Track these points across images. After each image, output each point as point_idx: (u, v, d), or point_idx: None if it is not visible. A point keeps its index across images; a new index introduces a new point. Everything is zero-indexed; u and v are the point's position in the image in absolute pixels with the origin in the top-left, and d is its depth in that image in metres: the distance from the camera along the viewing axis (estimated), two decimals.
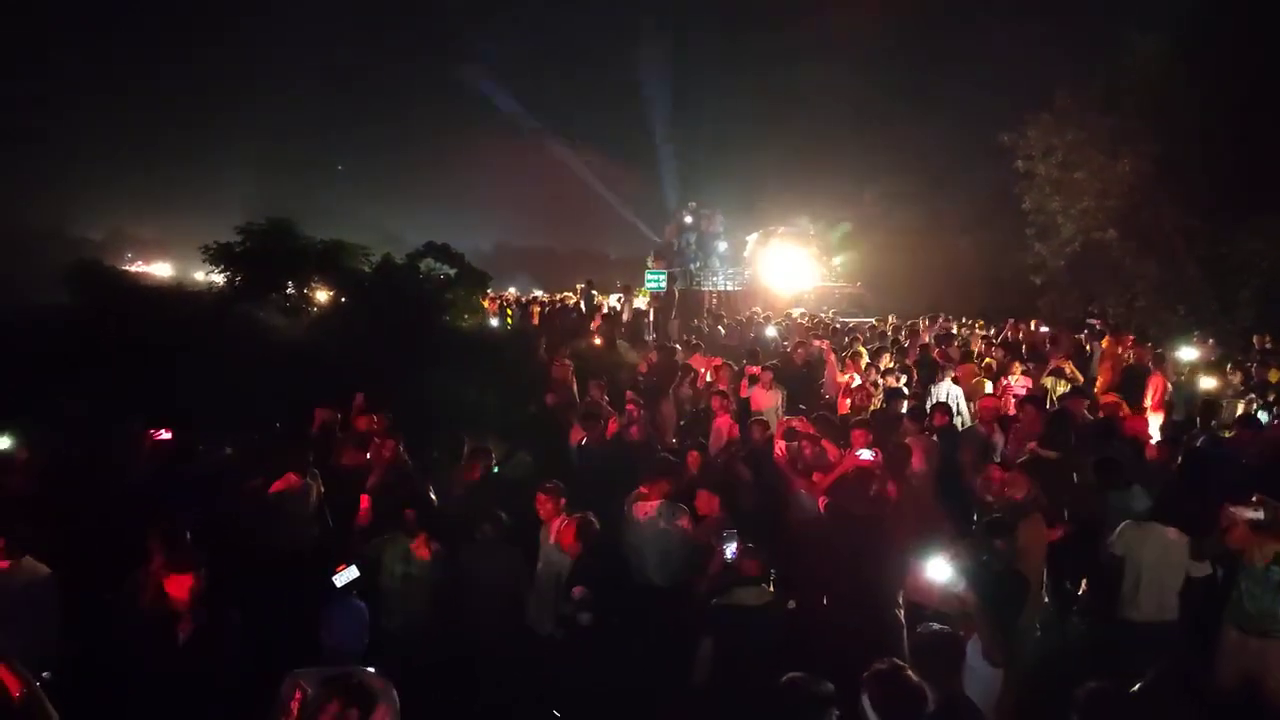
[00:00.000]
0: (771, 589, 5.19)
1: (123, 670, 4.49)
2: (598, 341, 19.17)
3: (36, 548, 4.89)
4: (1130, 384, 11.08)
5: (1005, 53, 26.12)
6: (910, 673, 3.35)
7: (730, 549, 5.13)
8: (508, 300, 30.85)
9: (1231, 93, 17.85)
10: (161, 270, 29.30)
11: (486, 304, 24.79)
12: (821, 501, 6.55)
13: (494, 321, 26.22)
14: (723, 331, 18.25)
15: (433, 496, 6.37)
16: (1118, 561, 5.80)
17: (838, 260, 28.60)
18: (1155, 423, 9.92)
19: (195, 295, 17.41)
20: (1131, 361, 12.42)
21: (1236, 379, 12.00)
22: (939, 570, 4.75)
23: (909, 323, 18.61)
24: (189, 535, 5.13)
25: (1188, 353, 12.90)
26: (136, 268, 26.46)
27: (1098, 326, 16.84)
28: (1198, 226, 18.78)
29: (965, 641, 4.05)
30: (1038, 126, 21.18)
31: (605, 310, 22.80)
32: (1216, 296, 18.43)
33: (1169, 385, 11.13)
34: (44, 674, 4.62)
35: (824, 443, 7.64)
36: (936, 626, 3.94)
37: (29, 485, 6.41)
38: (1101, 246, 20.81)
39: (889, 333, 17.28)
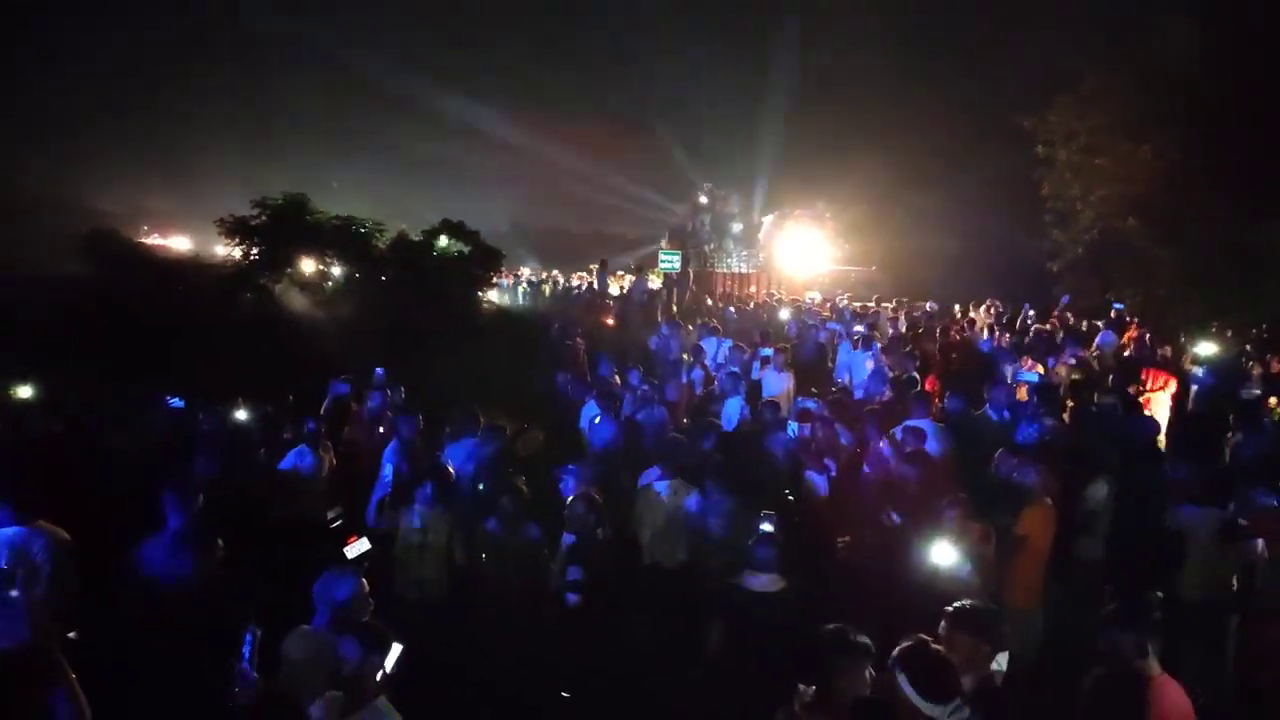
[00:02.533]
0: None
1: (135, 633, 4.54)
2: (610, 321, 19.21)
3: (52, 513, 4.91)
4: (1128, 376, 10.98)
5: (1028, 36, 25.69)
6: (936, 646, 3.36)
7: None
8: (521, 279, 30.90)
9: (1261, 79, 17.57)
10: (180, 244, 29.39)
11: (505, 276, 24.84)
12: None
13: (507, 299, 26.33)
14: (733, 313, 18.17)
15: (449, 469, 6.38)
16: (1175, 539, 5.77)
17: (852, 243, 28.42)
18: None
19: (210, 267, 17.49)
20: (1131, 353, 12.31)
21: (1256, 373, 11.81)
22: (944, 554, 4.74)
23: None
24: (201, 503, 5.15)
25: (1205, 347, 12.74)
26: (153, 240, 26.54)
27: (1113, 316, 16.66)
28: (1222, 214, 18.51)
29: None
30: (1060, 110, 20.90)
31: (619, 291, 22.82)
32: (1238, 287, 18.20)
33: (1174, 379, 10.94)
34: (69, 634, 4.69)
35: (837, 426, 7.61)
36: (971, 605, 3.88)
37: (44, 451, 6.46)
38: (1121, 234, 20.58)
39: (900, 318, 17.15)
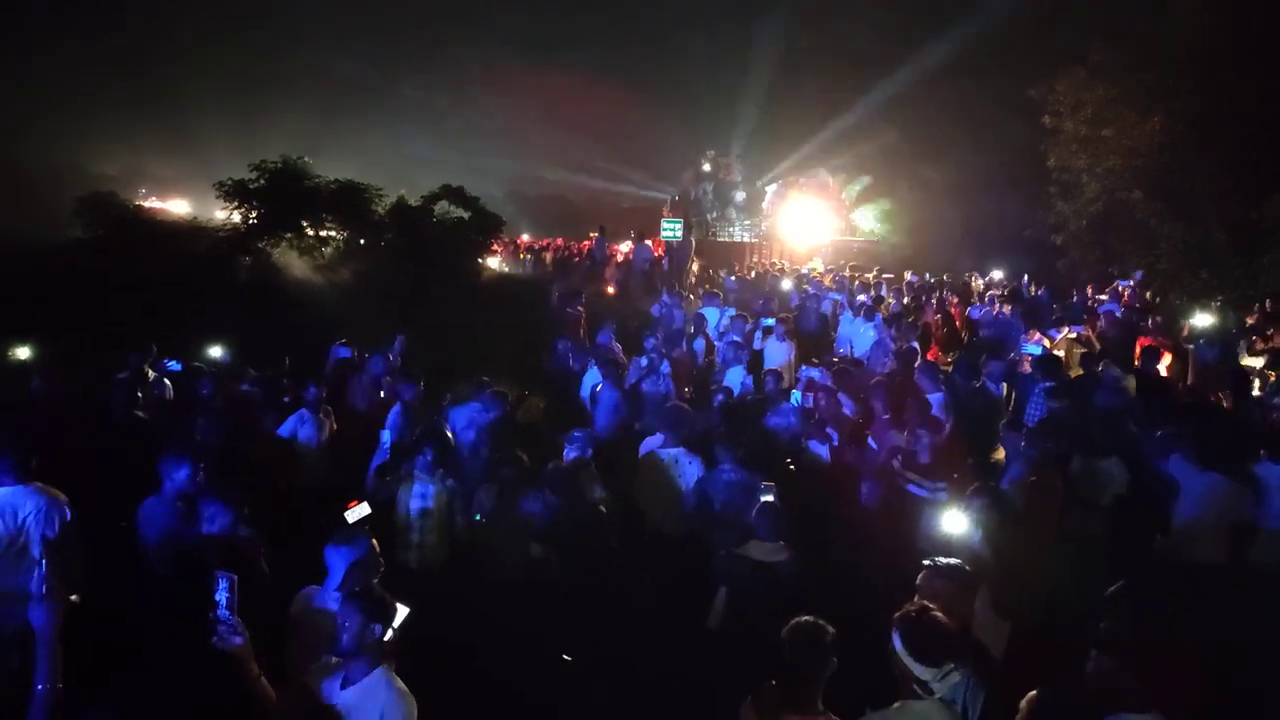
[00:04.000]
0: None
1: (136, 595, 4.52)
2: (610, 289, 19.12)
3: (49, 477, 4.88)
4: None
5: (1038, 5, 25.31)
6: (937, 613, 3.36)
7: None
8: (522, 245, 30.70)
9: (1269, 53, 17.36)
10: (179, 207, 29.15)
11: (499, 248, 24.72)
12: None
13: (507, 267, 26.19)
14: (734, 281, 18.09)
15: (450, 435, 6.33)
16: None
17: (856, 214, 28.25)
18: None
19: (208, 231, 17.35)
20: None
21: (1260, 346, 11.75)
22: (955, 522, 4.72)
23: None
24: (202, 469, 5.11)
25: (1202, 319, 12.69)
26: (151, 204, 26.30)
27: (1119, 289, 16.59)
28: (1227, 188, 18.38)
29: (977, 591, 4.10)
30: (1068, 81, 20.67)
31: (619, 259, 22.69)
32: (1241, 261, 18.11)
33: (1168, 351, 10.90)
34: (72, 597, 4.67)
35: (840, 396, 7.58)
36: (947, 560, 4.02)
37: (41, 416, 6.41)
38: (1126, 207, 20.43)
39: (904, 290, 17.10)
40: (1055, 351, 10.75)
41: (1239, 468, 5.96)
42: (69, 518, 4.76)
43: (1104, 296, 15.94)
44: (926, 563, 4.01)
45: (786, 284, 17.09)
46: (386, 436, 6.60)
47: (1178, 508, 5.88)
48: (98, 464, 5.53)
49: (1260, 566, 5.75)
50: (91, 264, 13.17)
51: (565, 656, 5.05)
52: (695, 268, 21.95)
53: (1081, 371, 9.36)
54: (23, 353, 7.61)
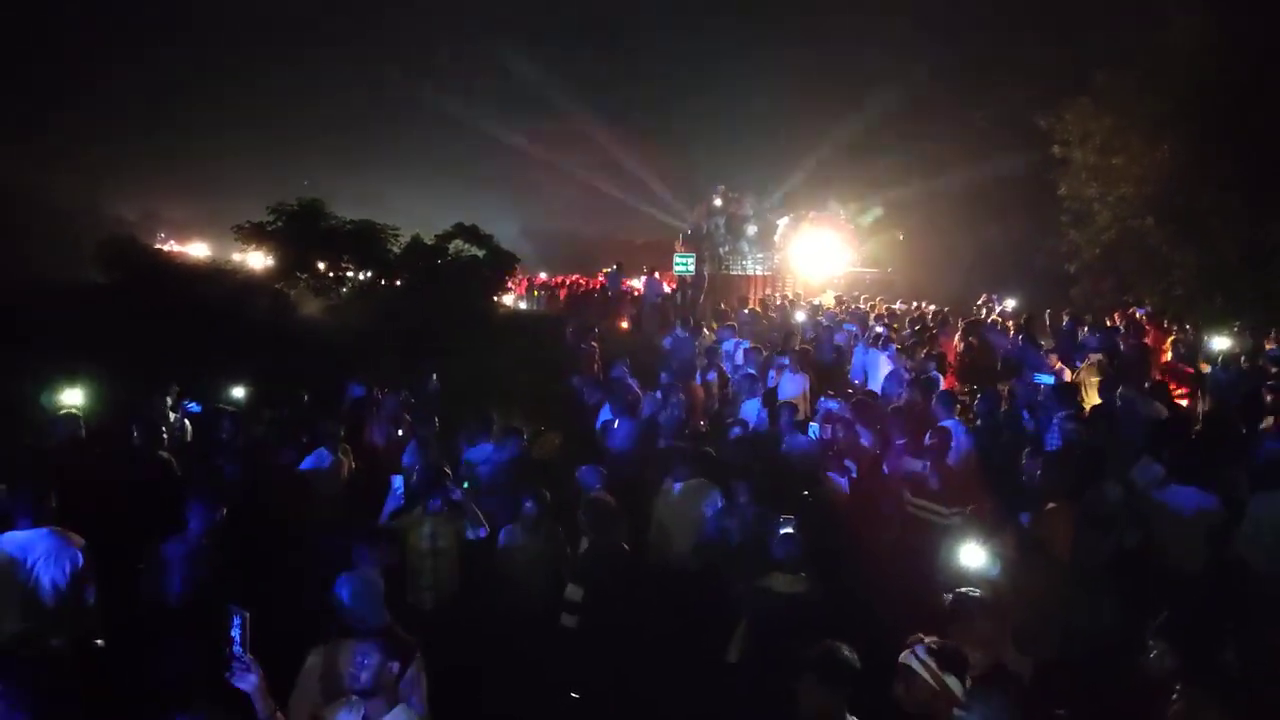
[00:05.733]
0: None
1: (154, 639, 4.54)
2: (624, 324, 19.20)
3: (70, 519, 4.92)
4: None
5: (1040, 33, 25.49)
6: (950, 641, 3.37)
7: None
8: (536, 283, 30.90)
9: (1274, 75, 17.38)
10: (198, 250, 29.58)
11: (514, 286, 24.89)
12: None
13: (523, 304, 26.35)
14: (747, 314, 18.12)
15: (449, 474, 6.35)
16: None
17: (868, 244, 28.31)
18: None
19: (226, 274, 17.58)
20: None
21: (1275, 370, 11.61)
22: (973, 556, 4.69)
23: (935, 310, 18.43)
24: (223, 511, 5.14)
25: (1220, 342, 12.61)
26: (170, 247, 26.72)
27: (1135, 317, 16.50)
28: (1238, 213, 18.32)
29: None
30: (1075, 110, 20.74)
31: (634, 293, 22.81)
32: (1255, 284, 18.00)
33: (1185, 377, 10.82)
34: (96, 641, 4.69)
35: (858, 427, 7.57)
36: (972, 591, 3.96)
37: (64, 458, 6.47)
38: (1138, 234, 20.38)
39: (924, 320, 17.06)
40: (1074, 379, 10.70)
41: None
42: (81, 563, 4.75)
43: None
44: (952, 593, 3.95)
45: (800, 315, 17.11)
46: (399, 481, 6.62)
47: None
48: (120, 504, 5.57)
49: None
50: (112, 307, 13.35)
51: (573, 694, 5.02)
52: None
53: (1099, 399, 9.31)
54: (66, 397, 7.68)
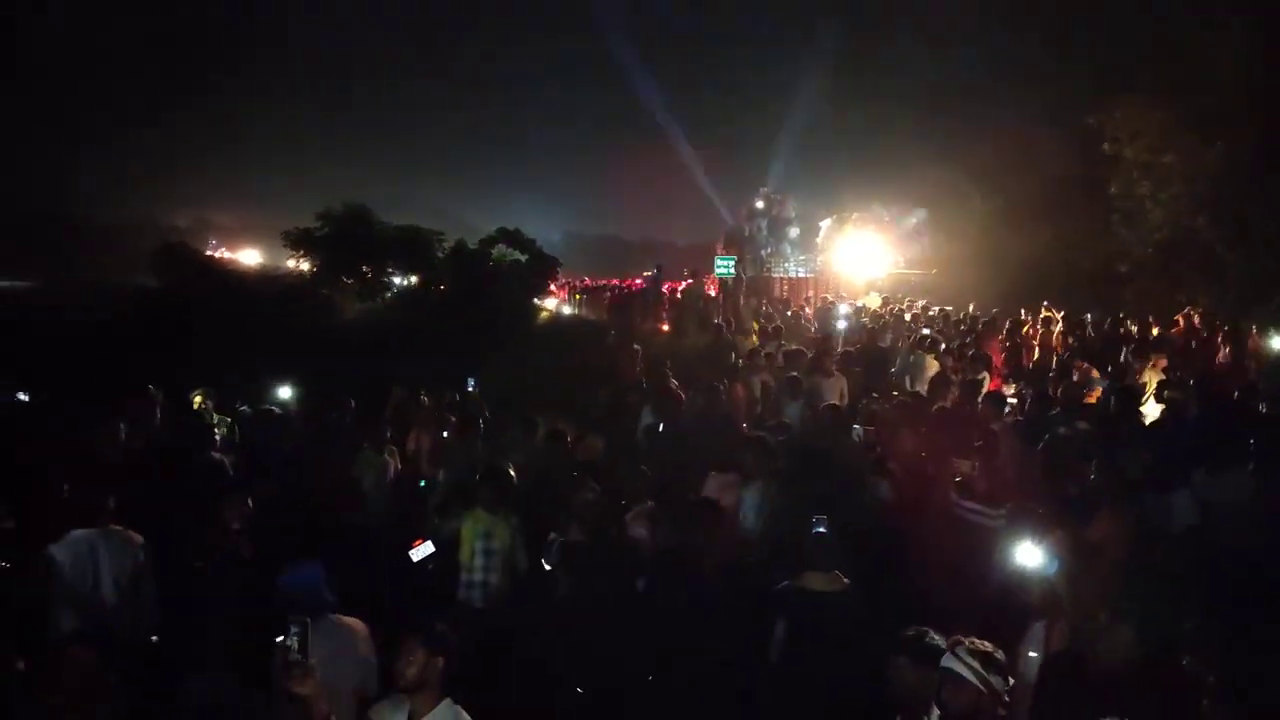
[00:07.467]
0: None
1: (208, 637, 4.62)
2: (665, 327, 19.19)
3: (127, 518, 5.05)
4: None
5: (1089, 30, 24.98)
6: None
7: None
8: (578, 287, 31.05)
9: None
10: (250, 257, 30.23)
11: (556, 289, 25.03)
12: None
13: (566, 309, 26.49)
14: (790, 316, 18.02)
15: (510, 472, 6.41)
16: None
17: (912, 246, 27.99)
18: None
19: (275, 278, 17.95)
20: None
21: None
22: (1029, 555, 4.60)
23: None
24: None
25: (1277, 342, 12.27)
26: (221, 253, 27.32)
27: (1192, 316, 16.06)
28: None
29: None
30: (1126, 108, 20.32)
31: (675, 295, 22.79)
32: None
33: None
34: (152, 637, 4.80)
35: (902, 430, 7.49)
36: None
37: (119, 458, 6.63)
38: (1191, 234, 19.89)
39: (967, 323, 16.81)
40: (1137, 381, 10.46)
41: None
42: (142, 560, 4.90)
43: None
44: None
45: (843, 318, 16.94)
46: (446, 477, 6.67)
47: None
48: (176, 506, 5.70)
49: None
50: (166, 312, 13.69)
51: (578, 689, 4.98)
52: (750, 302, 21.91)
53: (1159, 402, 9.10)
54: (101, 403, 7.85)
